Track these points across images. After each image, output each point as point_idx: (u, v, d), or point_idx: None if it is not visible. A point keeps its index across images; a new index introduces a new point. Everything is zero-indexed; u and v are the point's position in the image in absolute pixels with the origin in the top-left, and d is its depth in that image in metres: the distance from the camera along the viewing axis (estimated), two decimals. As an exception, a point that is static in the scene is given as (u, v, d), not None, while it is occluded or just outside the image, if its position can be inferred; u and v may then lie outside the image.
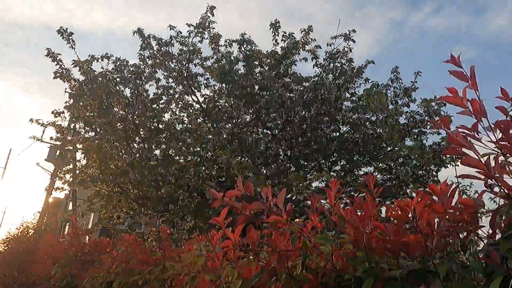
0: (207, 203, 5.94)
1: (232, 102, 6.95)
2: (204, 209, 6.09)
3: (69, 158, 8.62)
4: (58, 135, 8.35)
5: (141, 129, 6.87)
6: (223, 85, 7.82)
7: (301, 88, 6.70)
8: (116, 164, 6.24)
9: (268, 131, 6.60)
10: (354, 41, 6.94)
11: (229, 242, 1.63)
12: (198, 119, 8.92)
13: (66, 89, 7.76)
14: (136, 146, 7.05)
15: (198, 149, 6.46)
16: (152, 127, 7.28)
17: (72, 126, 9.43)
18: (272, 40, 7.99)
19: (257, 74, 6.99)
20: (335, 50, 7.46)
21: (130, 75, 7.16)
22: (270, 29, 8.17)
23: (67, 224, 21.64)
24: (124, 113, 6.62)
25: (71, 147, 8.45)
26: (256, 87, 6.42)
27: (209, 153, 6.15)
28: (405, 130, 6.22)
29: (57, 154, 19.27)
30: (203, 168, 6.08)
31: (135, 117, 6.65)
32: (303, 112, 6.17)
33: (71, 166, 8.66)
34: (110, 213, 8.52)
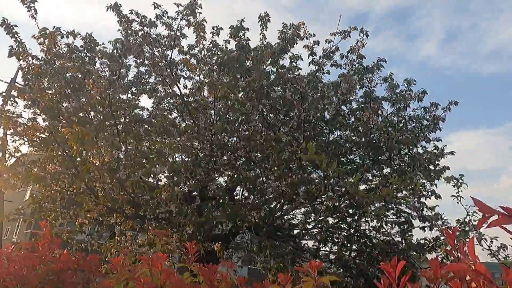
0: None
1: (238, 96, 6.02)
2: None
3: (14, 150, 7.12)
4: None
5: (118, 119, 5.69)
6: (215, 75, 6.93)
7: (321, 85, 5.99)
8: (102, 160, 5.00)
9: (272, 132, 5.75)
10: (367, 35, 6.40)
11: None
12: (173, 113, 7.91)
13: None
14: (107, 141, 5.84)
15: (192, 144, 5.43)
16: (128, 118, 6.15)
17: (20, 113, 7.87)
18: (260, 34, 7.42)
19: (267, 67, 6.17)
20: (334, 47, 7.04)
21: (114, 50, 6.01)
22: (258, 22, 7.57)
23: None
24: (100, 98, 5.40)
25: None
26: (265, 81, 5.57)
27: (207, 151, 5.16)
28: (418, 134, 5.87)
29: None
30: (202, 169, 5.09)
31: (112, 103, 5.47)
32: (324, 109, 5.46)
33: (12, 161, 7.17)
34: (63, 219, 7.11)
